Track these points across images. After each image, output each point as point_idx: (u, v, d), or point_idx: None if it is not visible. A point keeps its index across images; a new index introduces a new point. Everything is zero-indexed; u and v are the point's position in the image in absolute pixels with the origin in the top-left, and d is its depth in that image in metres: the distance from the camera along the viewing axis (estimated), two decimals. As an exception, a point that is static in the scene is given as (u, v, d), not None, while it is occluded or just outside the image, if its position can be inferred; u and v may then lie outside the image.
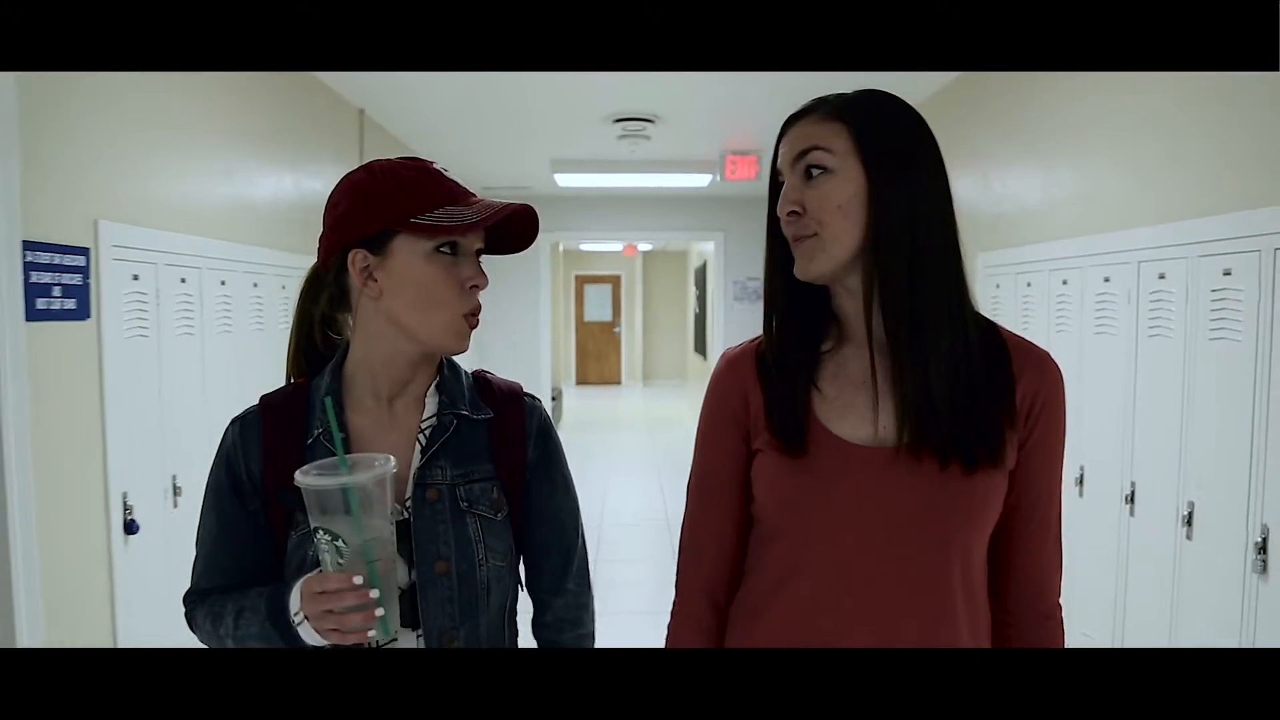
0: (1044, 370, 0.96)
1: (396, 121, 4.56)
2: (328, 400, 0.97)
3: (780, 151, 0.97)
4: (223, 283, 2.70)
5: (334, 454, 0.93)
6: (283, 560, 1.02)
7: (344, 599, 0.87)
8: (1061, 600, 1.01)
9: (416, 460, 1.03)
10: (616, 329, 13.96)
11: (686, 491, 1.08)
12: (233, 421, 1.06)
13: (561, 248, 11.15)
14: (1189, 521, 2.15)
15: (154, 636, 2.26)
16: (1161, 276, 2.27)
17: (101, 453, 2.11)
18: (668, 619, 1.07)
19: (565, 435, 7.44)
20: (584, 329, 13.95)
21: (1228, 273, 2.01)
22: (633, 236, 8.59)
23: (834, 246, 0.91)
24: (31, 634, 1.85)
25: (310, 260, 1.08)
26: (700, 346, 9.91)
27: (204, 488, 1.06)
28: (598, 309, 13.96)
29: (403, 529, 0.99)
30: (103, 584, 2.13)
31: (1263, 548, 1.89)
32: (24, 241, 1.82)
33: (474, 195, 1.02)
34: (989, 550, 0.97)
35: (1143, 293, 2.34)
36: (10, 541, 1.80)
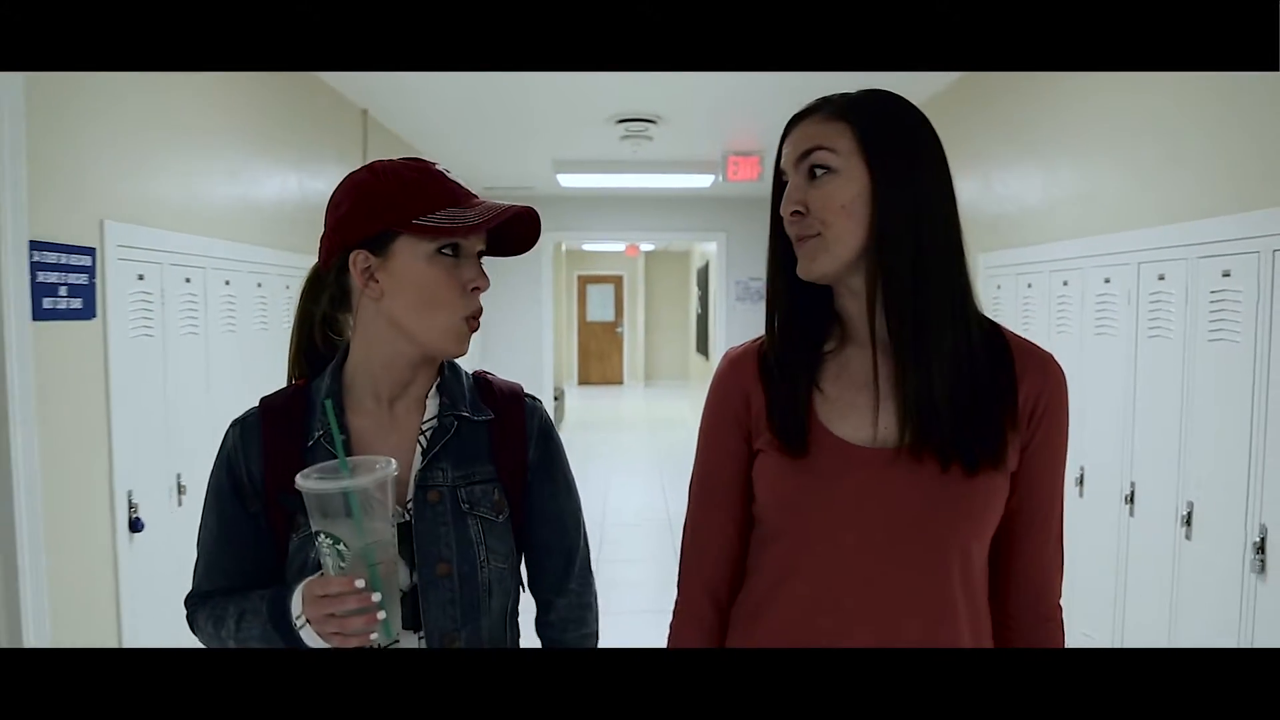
0: (1047, 372, 0.95)
1: (399, 122, 4.57)
2: (328, 403, 0.96)
3: (784, 151, 0.96)
4: (227, 282, 2.71)
5: (335, 456, 0.92)
6: (284, 562, 1.02)
7: (346, 602, 0.87)
8: (1061, 600, 1.01)
9: (417, 462, 1.03)
10: (619, 329, 13.94)
11: (688, 491, 1.08)
12: (233, 424, 1.06)
13: (564, 248, 11.14)
14: (1188, 522, 2.16)
15: (159, 634, 2.27)
16: (1161, 278, 2.27)
17: (107, 451, 2.12)
18: (670, 618, 1.08)
19: (567, 435, 7.45)
20: (586, 329, 13.94)
21: (1227, 274, 2.02)
22: (635, 237, 8.58)
23: (837, 246, 0.91)
24: (38, 633, 1.85)
25: (314, 260, 1.07)
26: (702, 347, 9.91)
27: (205, 488, 1.06)
28: (600, 309, 13.94)
29: (404, 531, 0.99)
30: (108, 582, 2.15)
31: (1261, 548, 1.89)
32: (31, 241, 1.83)
33: (476, 197, 1.01)
34: (989, 552, 0.97)
35: (1142, 294, 2.35)
36: (17, 540, 1.81)
